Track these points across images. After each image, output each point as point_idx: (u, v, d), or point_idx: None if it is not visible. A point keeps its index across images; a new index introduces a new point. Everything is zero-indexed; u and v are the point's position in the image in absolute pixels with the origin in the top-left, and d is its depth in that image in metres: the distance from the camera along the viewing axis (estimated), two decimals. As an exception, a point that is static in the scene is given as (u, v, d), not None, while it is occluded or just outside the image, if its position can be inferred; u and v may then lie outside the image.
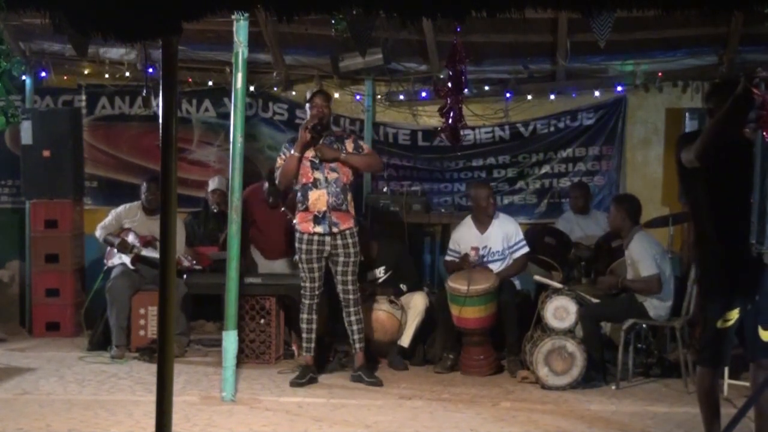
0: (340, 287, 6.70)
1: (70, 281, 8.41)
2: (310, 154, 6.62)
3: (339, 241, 6.62)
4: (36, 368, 7.08)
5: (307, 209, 6.62)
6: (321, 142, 6.62)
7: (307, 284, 6.68)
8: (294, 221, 7.29)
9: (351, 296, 6.71)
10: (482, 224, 7.42)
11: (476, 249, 7.30)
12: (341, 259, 6.64)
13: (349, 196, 6.71)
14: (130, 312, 7.62)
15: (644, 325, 6.84)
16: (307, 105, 6.75)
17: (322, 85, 8.62)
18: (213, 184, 8.29)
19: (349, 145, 6.72)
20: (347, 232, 6.64)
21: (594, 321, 6.83)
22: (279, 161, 6.76)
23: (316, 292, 6.69)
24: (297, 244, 6.70)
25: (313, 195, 6.60)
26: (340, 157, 6.60)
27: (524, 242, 7.38)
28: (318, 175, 6.60)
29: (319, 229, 6.59)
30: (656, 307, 6.72)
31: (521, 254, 7.37)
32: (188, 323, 7.75)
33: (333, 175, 6.60)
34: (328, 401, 6.26)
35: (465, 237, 7.43)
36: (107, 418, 5.73)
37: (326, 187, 6.59)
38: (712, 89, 4.80)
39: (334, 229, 6.59)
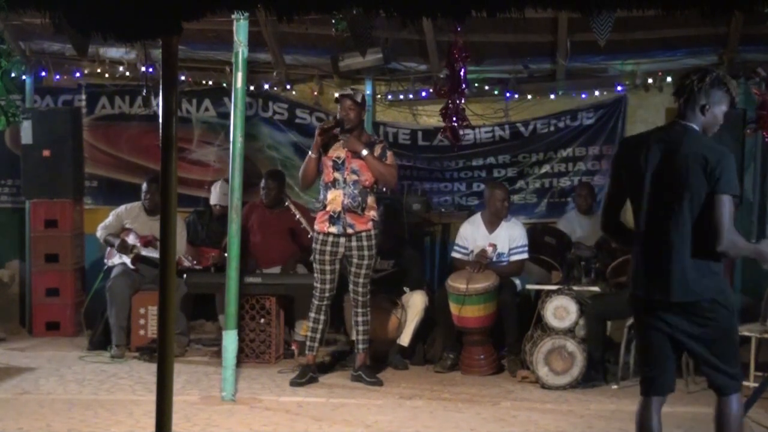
0: (351, 287, 6.70)
1: (70, 281, 8.40)
2: (333, 154, 6.60)
3: (354, 243, 6.59)
4: (36, 368, 7.07)
5: (324, 208, 6.62)
6: (342, 140, 6.57)
7: (318, 285, 6.66)
8: (297, 216, 7.32)
9: (360, 297, 6.69)
10: (492, 224, 7.41)
11: (494, 246, 7.30)
12: (355, 260, 6.61)
13: (370, 200, 6.65)
14: (130, 312, 7.61)
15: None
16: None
17: (323, 85, 8.62)
18: (214, 198, 8.12)
19: (377, 151, 6.66)
20: (363, 234, 6.60)
21: (599, 319, 6.80)
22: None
23: (327, 294, 6.66)
24: (313, 244, 6.69)
25: (330, 195, 6.58)
26: (361, 153, 6.52)
27: (525, 248, 7.36)
28: (337, 175, 6.57)
29: (333, 229, 6.57)
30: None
31: (518, 259, 7.36)
32: (188, 323, 7.74)
33: (352, 177, 6.56)
34: (328, 401, 6.26)
35: (473, 234, 7.43)
36: (107, 418, 5.73)
37: (343, 188, 6.55)
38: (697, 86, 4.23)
39: (350, 231, 6.56)
